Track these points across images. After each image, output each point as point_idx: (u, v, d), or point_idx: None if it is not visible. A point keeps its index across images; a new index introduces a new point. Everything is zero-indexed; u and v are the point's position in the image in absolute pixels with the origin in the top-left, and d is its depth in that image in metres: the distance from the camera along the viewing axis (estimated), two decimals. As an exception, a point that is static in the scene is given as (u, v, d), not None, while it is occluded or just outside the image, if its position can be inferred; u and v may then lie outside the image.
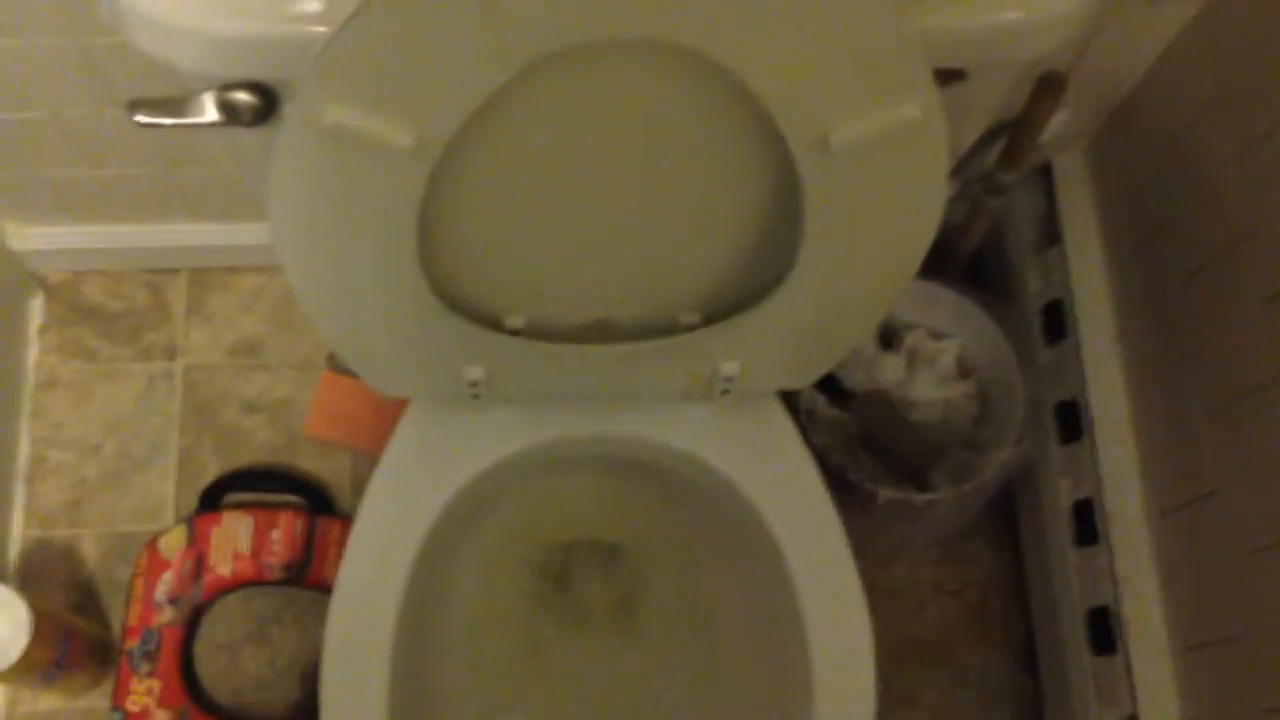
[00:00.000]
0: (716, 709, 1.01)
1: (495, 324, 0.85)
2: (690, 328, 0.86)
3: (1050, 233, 1.25)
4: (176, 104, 0.67)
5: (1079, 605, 1.18)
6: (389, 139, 0.63)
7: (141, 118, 0.67)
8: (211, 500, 1.32)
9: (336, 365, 1.38)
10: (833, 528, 0.94)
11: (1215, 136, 1.01)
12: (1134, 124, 1.15)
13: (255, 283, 1.42)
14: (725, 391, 0.92)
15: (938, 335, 1.27)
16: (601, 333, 0.87)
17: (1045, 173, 1.26)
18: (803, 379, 0.94)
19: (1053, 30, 0.70)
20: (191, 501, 1.33)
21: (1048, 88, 1.02)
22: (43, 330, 1.39)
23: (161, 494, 1.34)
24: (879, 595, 0.93)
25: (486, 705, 1.03)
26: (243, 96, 0.67)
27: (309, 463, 1.36)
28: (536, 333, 0.86)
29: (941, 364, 1.26)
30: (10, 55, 1.00)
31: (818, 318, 0.84)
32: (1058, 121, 1.11)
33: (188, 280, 1.42)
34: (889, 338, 1.28)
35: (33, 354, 1.38)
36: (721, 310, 0.85)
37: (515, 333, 0.85)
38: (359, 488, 1.35)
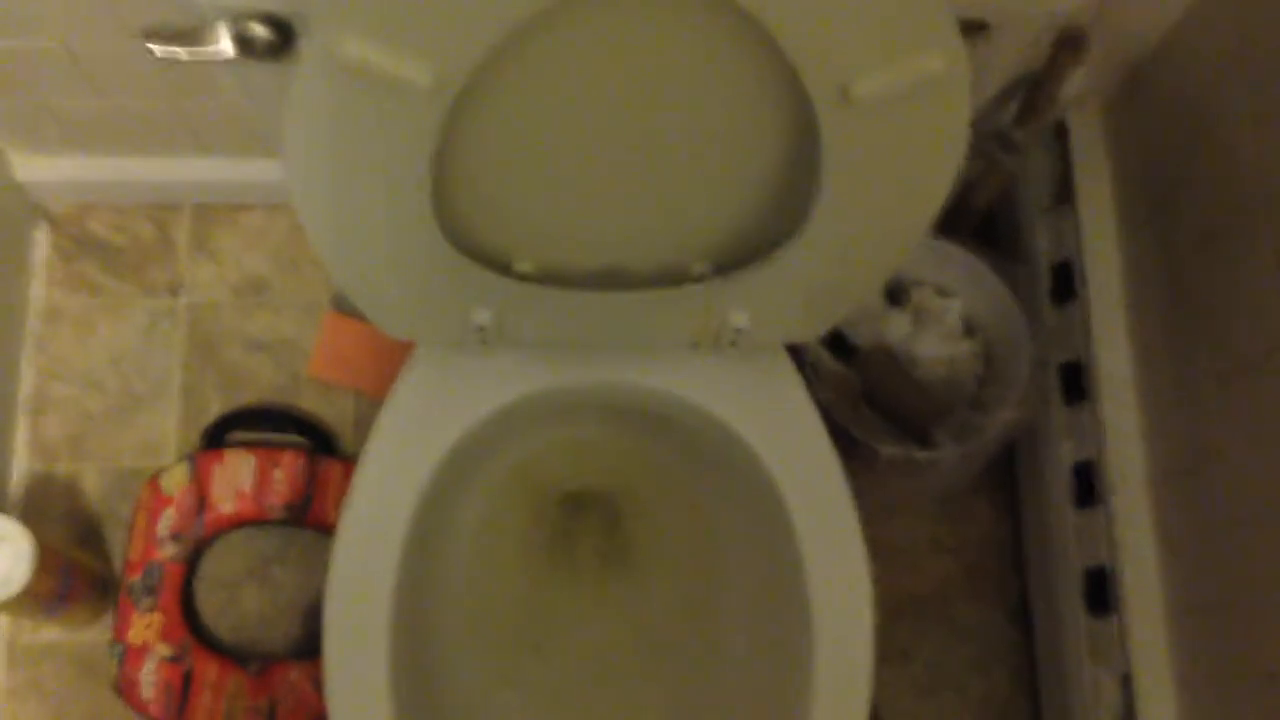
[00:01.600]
0: (717, 659, 1.02)
1: (505, 268, 0.84)
2: (701, 277, 0.86)
3: (1063, 192, 1.24)
4: (192, 34, 0.66)
5: (1076, 565, 1.19)
6: (407, 76, 0.62)
7: (156, 48, 0.66)
8: (214, 438, 1.32)
9: (341, 306, 1.38)
10: (836, 482, 0.94)
11: (1234, 100, 1.00)
12: (1152, 84, 1.14)
13: (261, 221, 1.41)
14: (733, 343, 0.92)
15: (945, 292, 1.27)
16: (611, 280, 0.86)
17: (1059, 131, 1.25)
18: (811, 331, 0.94)
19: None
20: (194, 439, 1.33)
21: (1069, 46, 1.01)
22: (47, 263, 1.38)
23: (164, 430, 1.35)
24: (877, 550, 0.93)
25: (488, 647, 1.03)
26: (258, 30, 0.66)
27: (312, 403, 1.36)
28: (546, 278, 0.85)
29: (947, 321, 1.25)
30: (19, -18, 0.99)
31: (829, 271, 0.84)
32: (1075, 79, 1.10)
33: (193, 216, 1.41)
34: (896, 294, 1.27)
35: (36, 286, 1.38)
36: (733, 260, 0.85)
37: (524, 277, 0.85)
38: (361, 429, 1.35)
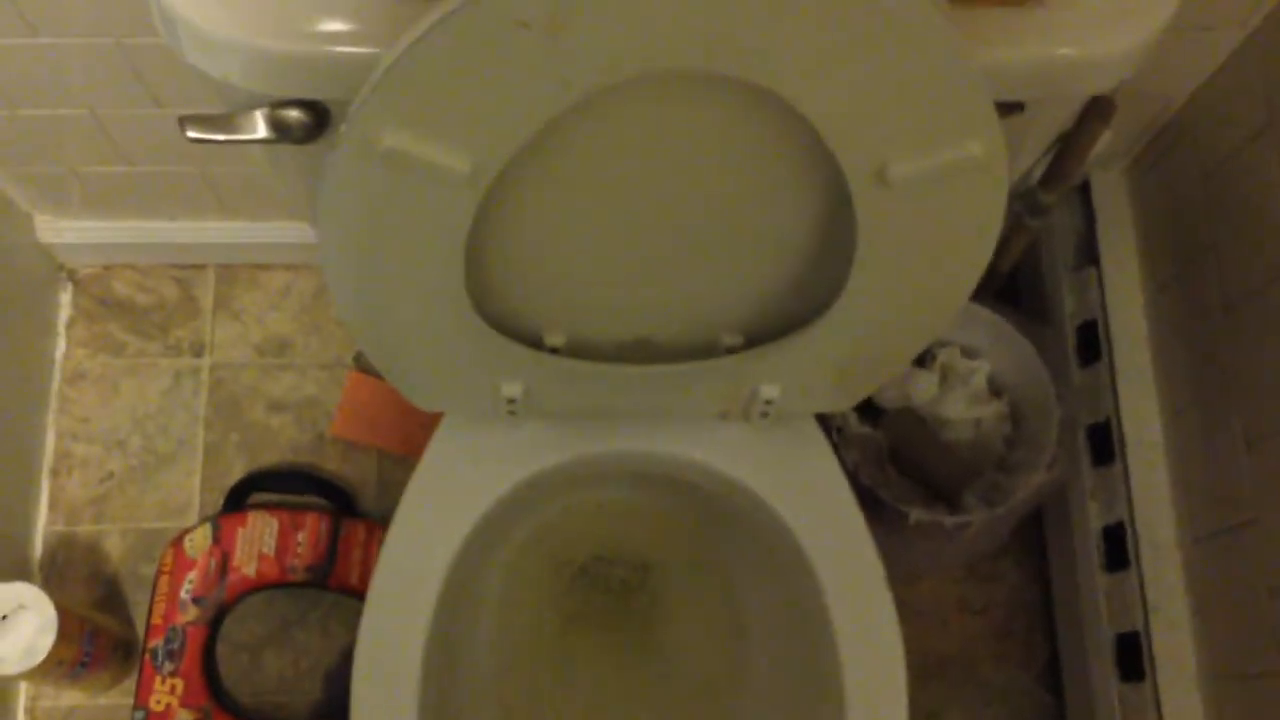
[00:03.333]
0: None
1: (535, 341, 0.84)
2: (732, 350, 0.85)
3: (1088, 252, 1.24)
4: (227, 120, 0.66)
5: (1107, 630, 1.17)
6: (445, 165, 0.62)
7: (193, 133, 0.66)
8: (237, 499, 1.31)
9: (364, 366, 1.38)
10: (866, 551, 0.93)
11: (1263, 164, 1.00)
12: (1178, 146, 1.14)
13: (284, 280, 1.42)
14: (764, 414, 0.92)
15: (971, 353, 1.26)
16: (641, 352, 0.86)
17: (1084, 190, 1.25)
18: (843, 403, 0.93)
19: (1109, 68, 0.69)
20: (217, 499, 1.32)
21: (1097, 111, 1.00)
22: (71, 324, 1.39)
23: (187, 491, 1.34)
24: (904, 612, 0.93)
25: (513, 713, 1.02)
26: (294, 114, 0.66)
27: (335, 464, 1.36)
28: (576, 351, 0.85)
29: (974, 383, 1.24)
30: (51, 53, 0.99)
31: (862, 345, 0.83)
32: (1102, 141, 1.10)
33: (216, 276, 1.41)
34: (922, 355, 1.27)
35: (60, 347, 1.38)
36: (764, 334, 0.84)
37: (555, 350, 0.85)
38: (384, 490, 1.35)
